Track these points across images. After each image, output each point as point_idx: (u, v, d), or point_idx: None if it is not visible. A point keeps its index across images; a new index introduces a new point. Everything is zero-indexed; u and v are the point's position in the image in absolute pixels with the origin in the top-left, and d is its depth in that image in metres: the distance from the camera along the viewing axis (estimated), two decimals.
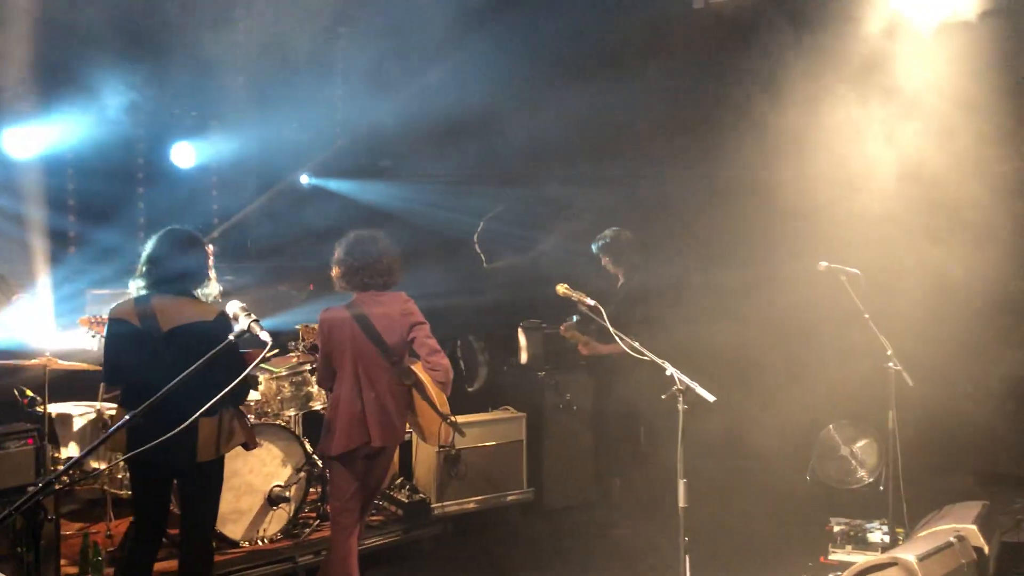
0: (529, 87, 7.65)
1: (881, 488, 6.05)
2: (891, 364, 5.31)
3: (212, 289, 4.28)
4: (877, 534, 5.54)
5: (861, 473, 6.57)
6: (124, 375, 4.20)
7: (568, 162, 7.97)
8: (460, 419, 5.03)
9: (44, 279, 6.35)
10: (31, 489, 4.76)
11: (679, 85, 7.43)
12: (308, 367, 6.01)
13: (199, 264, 4.25)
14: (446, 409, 4.68)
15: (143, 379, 3.93)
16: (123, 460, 5.17)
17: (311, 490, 5.78)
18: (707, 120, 7.29)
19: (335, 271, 4.64)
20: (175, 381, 2.91)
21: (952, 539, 4.45)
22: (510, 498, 6.43)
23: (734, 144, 7.06)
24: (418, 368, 4.61)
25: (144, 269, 4.18)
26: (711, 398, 4.02)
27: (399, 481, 6.15)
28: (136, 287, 4.20)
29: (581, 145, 7.80)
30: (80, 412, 5.74)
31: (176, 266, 4.16)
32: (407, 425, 4.72)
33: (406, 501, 5.99)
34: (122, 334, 4.08)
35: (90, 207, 6.96)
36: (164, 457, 3.83)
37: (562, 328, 6.20)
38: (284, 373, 5.94)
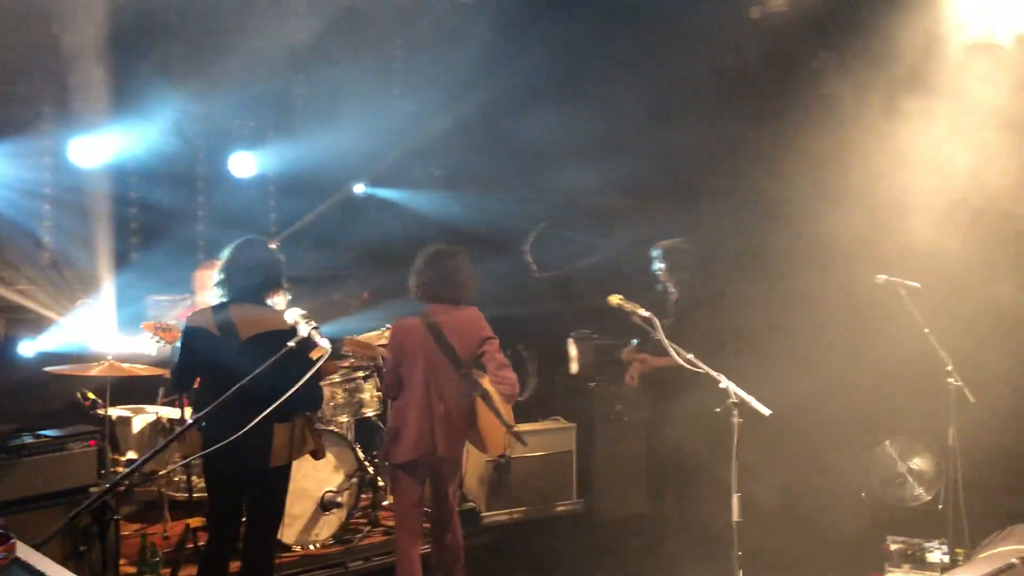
0: (579, 97, 7.65)
1: (940, 507, 5.92)
2: (951, 380, 5.20)
3: (283, 298, 4.39)
4: (936, 554, 5.41)
5: (919, 491, 6.42)
6: (196, 381, 4.28)
7: (621, 172, 7.95)
8: None
9: (108, 284, 6.49)
10: (94, 489, 4.91)
11: (732, 96, 7.36)
12: (361, 374, 6.08)
13: (274, 273, 4.35)
14: (511, 420, 4.80)
15: (220, 387, 3.97)
16: (196, 464, 5.30)
17: (362, 496, 5.85)
18: (759, 134, 7.20)
19: (413, 282, 4.77)
20: (239, 385, 2.98)
21: (1015, 560, 4.32)
22: (559, 508, 6.42)
23: (782, 161, 6.96)
24: (485, 381, 4.71)
25: (222, 278, 4.27)
26: (766, 412, 3.99)
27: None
28: (215, 296, 4.28)
29: (633, 155, 7.77)
30: (139, 416, 5.88)
31: (253, 275, 4.26)
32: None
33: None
34: (200, 342, 4.17)
35: (151, 215, 7.09)
36: (239, 462, 3.99)
37: (624, 353, 6.16)
38: (337, 379, 6.01)
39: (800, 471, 6.82)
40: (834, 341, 6.55)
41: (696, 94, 7.34)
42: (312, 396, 4.42)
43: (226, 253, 4.32)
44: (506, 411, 4.79)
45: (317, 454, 4.45)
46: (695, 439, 5.88)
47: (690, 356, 4.26)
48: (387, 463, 4.77)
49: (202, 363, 4.20)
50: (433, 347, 4.60)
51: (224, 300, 4.24)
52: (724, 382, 4.10)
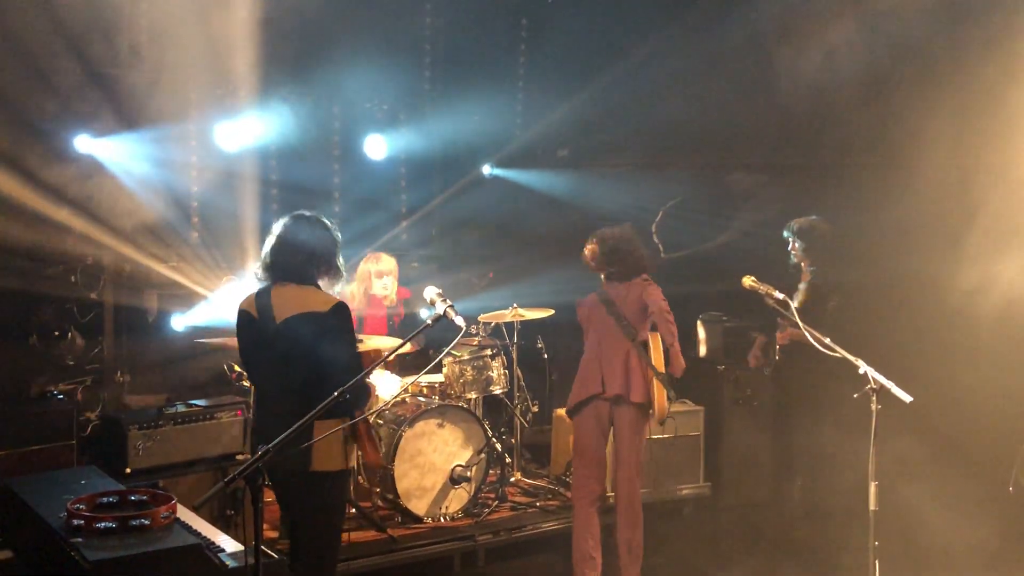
0: (711, 73, 7.47)
1: None
2: None
3: (338, 278, 3.95)
4: None
5: None
6: (248, 369, 4.02)
7: (752, 150, 7.74)
8: None
9: (252, 263, 6.79)
10: (240, 457, 5.19)
11: (877, 65, 7.01)
12: (489, 352, 6.18)
13: (325, 251, 3.84)
14: (662, 369, 5.05)
15: (260, 373, 3.83)
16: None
17: (490, 472, 5.96)
18: (905, 106, 6.85)
19: (589, 259, 5.32)
20: (351, 384, 2.90)
21: None
22: (685, 491, 6.38)
23: (936, 134, 6.60)
24: (645, 334, 5.14)
25: (267, 258, 3.82)
26: (908, 398, 3.85)
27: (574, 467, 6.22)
28: (260, 276, 3.89)
29: (766, 132, 7.55)
30: None
31: (298, 254, 3.79)
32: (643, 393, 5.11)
33: None
34: (243, 326, 3.83)
35: (291, 196, 7.35)
36: (277, 462, 3.12)
37: (779, 336, 6.04)
38: (466, 357, 6.13)
39: (943, 463, 6.53)
40: (982, 327, 6.22)
41: (838, 70, 7.04)
42: (356, 393, 3.46)
43: (273, 230, 3.86)
44: (658, 361, 5.04)
45: (371, 467, 4.06)
46: (828, 426, 5.73)
47: (827, 340, 4.15)
48: (570, 416, 5.31)
49: (245, 349, 3.86)
50: (605, 317, 5.15)
51: (269, 281, 3.82)
52: (863, 367, 3.97)
